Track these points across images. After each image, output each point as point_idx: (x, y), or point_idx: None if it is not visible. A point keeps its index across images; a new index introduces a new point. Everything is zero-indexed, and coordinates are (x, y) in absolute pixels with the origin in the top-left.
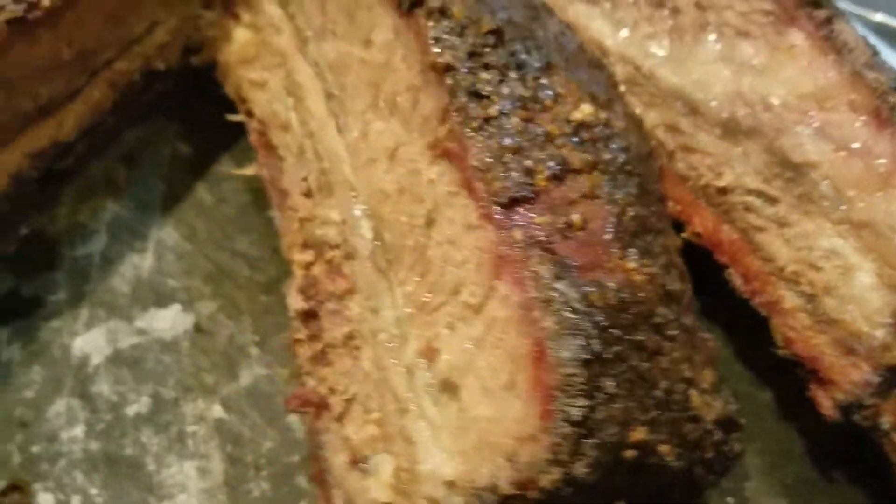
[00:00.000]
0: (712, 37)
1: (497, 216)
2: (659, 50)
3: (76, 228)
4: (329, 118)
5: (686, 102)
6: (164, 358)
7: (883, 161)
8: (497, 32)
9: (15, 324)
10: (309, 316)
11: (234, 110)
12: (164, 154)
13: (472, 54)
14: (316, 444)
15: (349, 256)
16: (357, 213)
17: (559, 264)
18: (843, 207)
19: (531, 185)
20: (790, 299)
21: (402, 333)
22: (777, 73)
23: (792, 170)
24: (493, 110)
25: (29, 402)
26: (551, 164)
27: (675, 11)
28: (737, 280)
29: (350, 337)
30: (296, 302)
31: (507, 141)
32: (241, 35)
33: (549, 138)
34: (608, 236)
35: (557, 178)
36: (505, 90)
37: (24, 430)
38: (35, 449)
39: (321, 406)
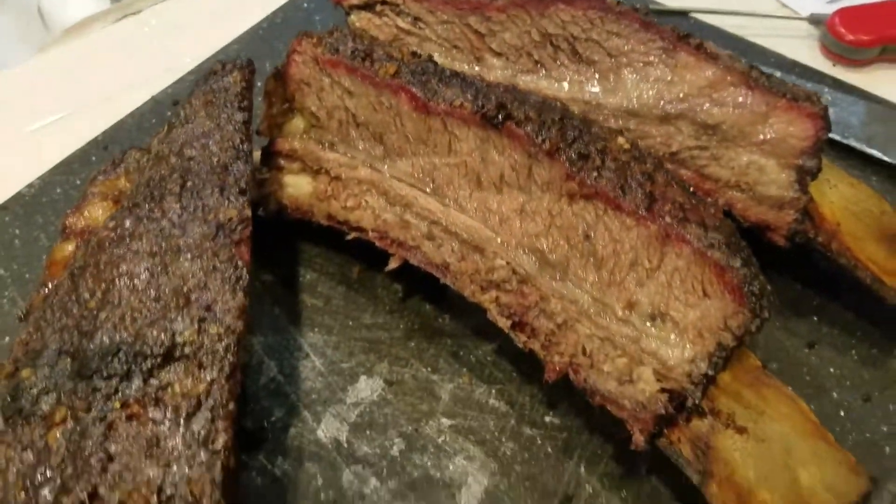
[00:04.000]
0: (628, 70)
1: (648, 215)
2: (594, 88)
3: (245, 365)
4: (445, 208)
5: (629, 112)
6: (385, 411)
7: (759, 107)
8: (562, 118)
9: (266, 449)
10: (520, 326)
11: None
12: (257, 288)
13: (562, 135)
14: (589, 387)
15: (523, 281)
16: (515, 254)
17: (699, 224)
18: (746, 138)
19: (650, 191)
20: (737, 195)
21: (604, 303)
22: (680, 79)
23: (710, 128)
24: (598, 161)
25: (327, 488)
26: (643, 176)
27: (593, 62)
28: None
29: (564, 323)
30: (504, 323)
31: (620, 173)
32: (302, 182)
33: (627, 164)
34: (689, 196)
35: (651, 180)
36: (591, 147)
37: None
38: None
39: (574, 367)
